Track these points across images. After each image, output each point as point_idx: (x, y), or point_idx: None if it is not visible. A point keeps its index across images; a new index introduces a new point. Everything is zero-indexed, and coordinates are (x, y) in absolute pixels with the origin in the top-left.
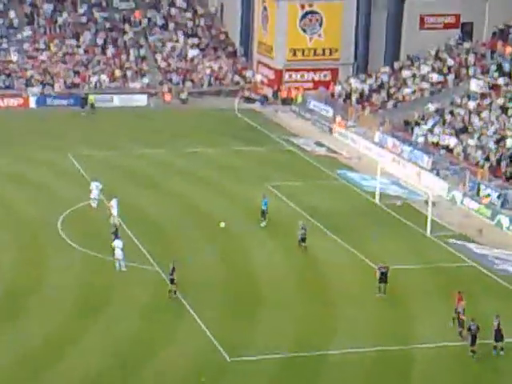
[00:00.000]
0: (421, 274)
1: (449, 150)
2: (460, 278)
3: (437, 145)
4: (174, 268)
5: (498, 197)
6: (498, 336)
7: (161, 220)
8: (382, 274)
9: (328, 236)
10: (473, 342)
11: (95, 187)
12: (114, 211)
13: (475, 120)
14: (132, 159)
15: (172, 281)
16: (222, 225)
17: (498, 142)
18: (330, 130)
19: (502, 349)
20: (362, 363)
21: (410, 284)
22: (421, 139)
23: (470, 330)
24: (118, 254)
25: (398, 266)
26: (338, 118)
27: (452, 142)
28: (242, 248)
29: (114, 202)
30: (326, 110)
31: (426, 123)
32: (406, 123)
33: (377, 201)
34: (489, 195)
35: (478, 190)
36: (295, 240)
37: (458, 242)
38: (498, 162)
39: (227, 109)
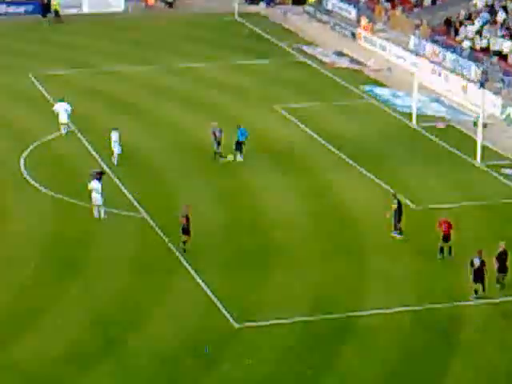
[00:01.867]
0: (470, 213)
1: (502, 56)
2: None
3: (487, 50)
4: (185, 214)
5: None
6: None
7: (148, 155)
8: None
9: (354, 169)
10: (476, 279)
11: (63, 110)
12: (116, 147)
13: None
14: (108, 79)
15: (185, 231)
16: (230, 158)
17: None
18: (354, 35)
19: None
20: (397, 326)
21: (456, 226)
22: (467, 44)
23: (472, 264)
24: (96, 198)
25: (441, 206)
26: (364, 21)
27: (506, 46)
28: (248, 188)
29: (114, 135)
30: (347, 10)
31: (473, 23)
32: (448, 24)
33: (413, 123)
34: None
35: None
36: (315, 177)
37: None
38: None
39: (224, 12)
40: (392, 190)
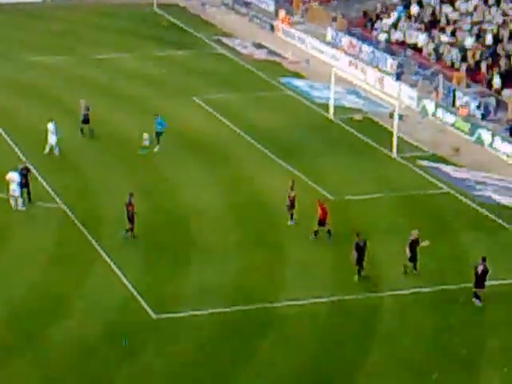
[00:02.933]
0: (386, 204)
1: (417, 49)
2: (434, 207)
3: (402, 43)
4: (130, 201)
5: (478, 106)
6: (481, 283)
7: (66, 147)
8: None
9: (273, 161)
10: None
11: None
12: (53, 138)
13: (448, 11)
14: (25, 69)
15: (130, 219)
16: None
17: (477, 37)
18: (272, 27)
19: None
20: (315, 315)
21: (372, 217)
22: (383, 37)
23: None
24: (14, 189)
25: (359, 197)
26: (282, 13)
27: (421, 39)
28: (166, 180)
29: (51, 126)
30: (265, 2)
31: (388, 16)
32: (365, 17)
33: (331, 115)
34: (467, 105)
35: (454, 98)
36: (233, 169)
37: (431, 164)
38: (478, 63)
39: (143, 3)
40: (290, 182)
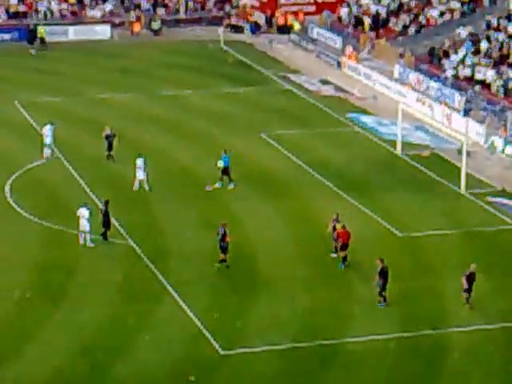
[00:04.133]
0: (455, 240)
1: (485, 85)
2: (503, 243)
3: (471, 79)
4: (225, 232)
5: None
6: None
7: (132, 183)
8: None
9: (340, 197)
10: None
11: (49, 131)
12: (141, 173)
13: None
14: (93, 106)
15: (224, 249)
16: (208, 188)
17: None
18: (339, 63)
19: None
20: (383, 352)
21: (440, 254)
22: (451, 73)
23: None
24: (84, 225)
25: (427, 232)
26: (348, 49)
27: (489, 75)
28: (234, 215)
29: (139, 162)
30: (332, 39)
31: (456, 53)
32: (432, 53)
33: (398, 151)
34: None
35: None
36: (300, 204)
37: (500, 201)
38: None
39: (210, 40)
40: (335, 215)
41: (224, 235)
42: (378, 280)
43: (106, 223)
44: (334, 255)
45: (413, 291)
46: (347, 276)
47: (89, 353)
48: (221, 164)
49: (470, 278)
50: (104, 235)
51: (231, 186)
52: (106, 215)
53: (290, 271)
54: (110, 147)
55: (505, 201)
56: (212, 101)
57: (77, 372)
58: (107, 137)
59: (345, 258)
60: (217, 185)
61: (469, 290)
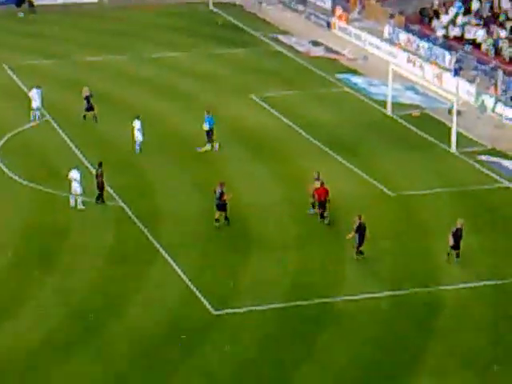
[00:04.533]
0: (446, 199)
1: (476, 44)
2: (494, 203)
3: (461, 39)
4: (222, 192)
5: None
6: None
7: (124, 145)
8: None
9: (331, 157)
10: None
11: (36, 95)
12: (139, 135)
13: (507, 6)
14: (83, 68)
15: (223, 206)
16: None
17: None
18: (329, 24)
19: None
20: (375, 311)
21: (432, 213)
22: (441, 33)
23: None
24: (75, 187)
25: (418, 192)
26: (338, 10)
27: (480, 34)
28: (224, 176)
29: (136, 123)
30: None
31: (446, 12)
32: (423, 13)
33: (388, 111)
34: None
35: None
36: (291, 165)
37: (491, 159)
38: None
39: (199, 2)
40: (315, 174)
41: (221, 194)
42: (354, 235)
43: (101, 185)
44: (311, 211)
45: (404, 250)
46: (338, 236)
47: (82, 314)
48: (206, 126)
49: (457, 235)
50: (100, 198)
51: (208, 147)
52: (99, 177)
53: (282, 231)
54: (91, 107)
55: (495, 159)
56: (201, 62)
57: (71, 333)
58: (87, 97)
59: (322, 215)
60: (207, 146)
61: (456, 247)
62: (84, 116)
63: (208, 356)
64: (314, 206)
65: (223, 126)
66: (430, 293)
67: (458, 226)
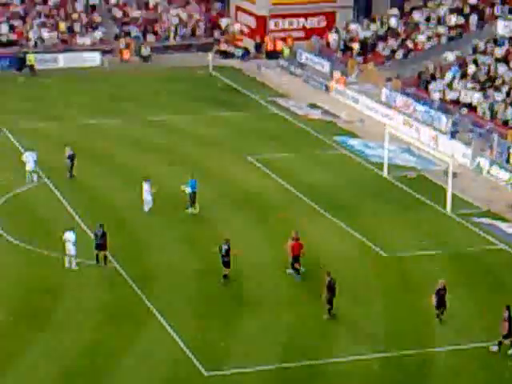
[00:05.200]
0: (441, 261)
1: (472, 108)
2: (489, 264)
3: (457, 102)
4: (229, 248)
5: None
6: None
7: (121, 206)
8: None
9: (327, 219)
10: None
11: (31, 158)
12: (148, 197)
13: (503, 70)
14: (84, 132)
15: (226, 264)
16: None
17: None
18: (327, 88)
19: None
20: (366, 373)
21: (425, 274)
22: (437, 96)
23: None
24: (70, 248)
25: (414, 253)
26: (336, 74)
27: (475, 98)
28: (218, 237)
29: (146, 185)
30: (320, 63)
31: (443, 77)
32: (420, 77)
33: (385, 173)
34: None
35: (509, 156)
36: (287, 227)
37: (486, 221)
38: None
39: (199, 66)
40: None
41: (228, 250)
42: (326, 294)
43: (104, 245)
44: (290, 271)
45: (397, 310)
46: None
47: (72, 378)
48: (188, 189)
49: (439, 294)
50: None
51: (191, 210)
52: (102, 237)
53: (275, 293)
54: (72, 166)
55: (490, 221)
56: (201, 125)
57: None
58: (69, 157)
59: (298, 270)
60: (191, 209)
61: (439, 306)
62: (70, 174)
63: None
64: (293, 266)
65: (220, 187)
66: (422, 354)
67: (440, 286)
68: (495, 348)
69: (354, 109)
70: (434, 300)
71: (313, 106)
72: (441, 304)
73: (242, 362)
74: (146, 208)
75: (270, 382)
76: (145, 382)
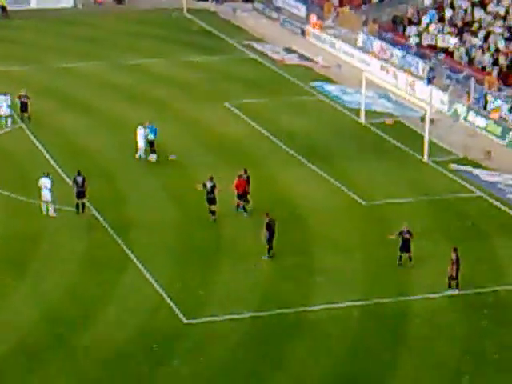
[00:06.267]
0: (417, 208)
1: (449, 53)
2: (465, 211)
3: (434, 48)
4: (214, 185)
5: (510, 110)
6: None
7: (98, 153)
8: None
9: (304, 165)
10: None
11: (4, 103)
12: (142, 142)
13: (480, 14)
14: (57, 75)
15: (212, 200)
16: (172, 157)
17: (509, 40)
18: (303, 32)
19: None
20: (346, 320)
21: (404, 221)
22: (414, 41)
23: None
24: (46, 194)
25: (390, 200)
26: (313, 18)
27: (452, 42)
28: (195, 184)
29: (140, 131)
30: (296, 7)
31: (420, 21)
32: (396, 21)
33: (362, 119)
34: (499, 108)
35: (486, 102)
36: (264, 172)
37: (462, 168)
38: (510, 66)
39: (174, 9)
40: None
41: (213, 187)
42: (265, 233)
43: (82, 193)
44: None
45: (376, 259)
46: (310, 245)
47: (52, 323)
48: (151, 136)
49: (403, 239)
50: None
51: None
52: (83, 184)
53: (254, 240)
54: (24, 108)
55: (467, 168)
56: (176, 69)
57: (40, 342)
58: (21, 98)
59: (244, 208)
60: (153, 156)
61: (401, 250)
62: (21, 117)
63: (179, 365)
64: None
65: (196, 132)
66: (400, 302)
67: (403, 229)
68: (454, 291)
69: (330, 54)
70: (394, 235)
71: (289, 50)
72: (404, 248)
73: (220, 310)
74: (141, 154)
75: (248, 330)
76: (124, 328)
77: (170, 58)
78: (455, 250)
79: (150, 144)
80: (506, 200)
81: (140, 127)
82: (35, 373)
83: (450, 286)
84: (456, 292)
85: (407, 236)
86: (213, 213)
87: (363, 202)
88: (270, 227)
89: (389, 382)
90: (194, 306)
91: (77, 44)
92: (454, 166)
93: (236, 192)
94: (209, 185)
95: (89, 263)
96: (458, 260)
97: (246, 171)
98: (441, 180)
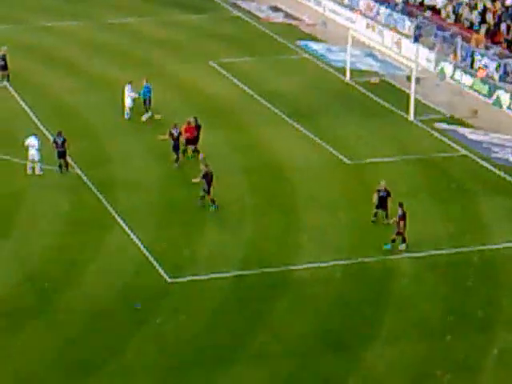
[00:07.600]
0: (403, 167)
1: (435, 11)
2: (451, 170)
3: (421, 5)
4: (180, 132)
5: (497, 68)
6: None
7: (81, 111)
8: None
9: (289, 124)
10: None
11: None
12: (129, 101)
13: None
14: (39, 34)
15: (176, 147)
16: (158, 117)
17: None
18: None
19: None
20: (330, 279)
21: (389, 180)
22: None
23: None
24: (34, 154)
25: (375, 159)
26: None
27: (439, 0)
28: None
29: (127, 89)
30: None
31: None
32: None
33: (347, 78)
34: (485, 66)
35: (473, 60)
36: (248, 132)
37: (449, 127)
38: (497, 24)
39: None
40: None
41: (180, 134)
42: (203, 184)
43: (63, 154)
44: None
45: (360, 218)
46: (294, 203)
47: (36, 281)
48: (147, 95)
49: (379, 195)
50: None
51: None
52: (63, 145)
53: (237, 199)
54: (4, 67)
55: (453, 127)
56: (160, 28)
57: (24, 300)
58: (3, 57)
59: (194, 150)
60: (149, 114)
61: (378, 207)
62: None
63: (162, 324)
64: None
65: (181, 92)
66: (384, 261)
67: (380, 187)
68: (402, 246)
69: (316, 11)
70: (375, 199)
71: (274, 8)
72: (380, 205)
73: (205, 269)
74: (128, 113)
75: (232, 289)
76: (108, 287)
77: (154, 16)
78: (401, 204)
79: (147, 102)
80: (491, 159)
81: (127, 85)
82: (17, 334)
83: (393, 241)
84: (404, 247)
85: (383, 194)
86: (176, 160)
87: (348, 161)
88: (207, 178)
89: (372, 340)
90: (177, 265)
91: (60, 3)
92: (439, 125)
93: (184, 138)
94: (175, 131)
95: (73, 223)
96: (404, 215)
97: (196, 119)
98: (426, 139)
